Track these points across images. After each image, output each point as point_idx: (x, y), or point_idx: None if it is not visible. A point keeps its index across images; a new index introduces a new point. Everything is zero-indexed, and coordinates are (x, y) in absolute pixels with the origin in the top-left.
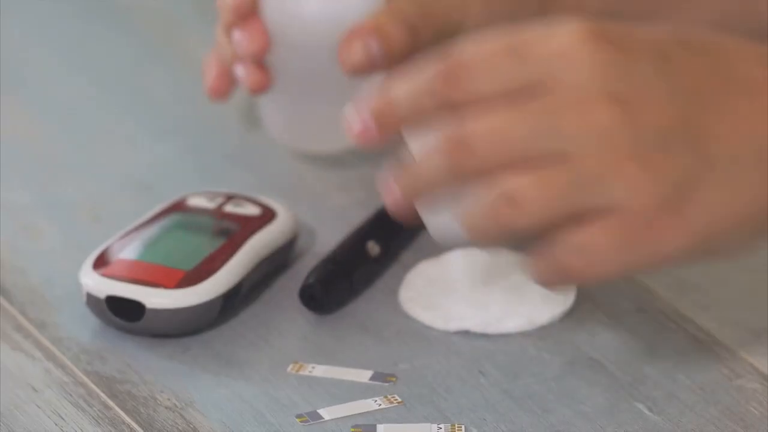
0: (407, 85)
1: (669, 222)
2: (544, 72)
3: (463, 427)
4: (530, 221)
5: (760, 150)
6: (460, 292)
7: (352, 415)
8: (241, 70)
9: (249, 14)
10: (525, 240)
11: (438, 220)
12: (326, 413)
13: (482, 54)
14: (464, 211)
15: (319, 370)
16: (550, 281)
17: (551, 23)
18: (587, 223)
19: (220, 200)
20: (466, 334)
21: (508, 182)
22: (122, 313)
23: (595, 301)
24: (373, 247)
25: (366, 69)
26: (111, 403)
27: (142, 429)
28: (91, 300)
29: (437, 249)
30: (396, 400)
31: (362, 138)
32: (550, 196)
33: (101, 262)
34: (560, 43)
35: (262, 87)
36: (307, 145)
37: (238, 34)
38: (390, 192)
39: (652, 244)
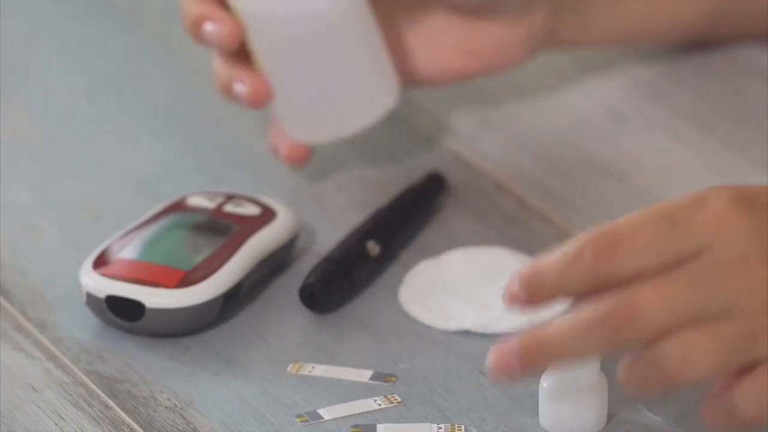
0: (556, 258)
1: None
2: (699, 240)
3: (462, 427)
4: (702, 375)
5: None
6: (460, 292)
7: (352, 414)
8: (239, 86)
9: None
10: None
11: (560, 409)
12: (326, 413)
13: (636, 225)
14: (625, 367)
15: (319, 370)
16: (724, 425)
17: (696, 193)
18: (760, 373)
19: (219, 200)
20: (465, 333)
21: (677, 340)
22: (122, 312)
23: None
24: (373, 247)
25: None
26: (111, 403)
27: (142, 429)
28: (91, 300)
29: (437, 249)
30: (396, 399)
31: (515, 304)
32: (722, 350)
33: (101, 262)
34: (712, 211)
35: (263, 96)
36: (328, 132)
37: (209, 25)
38: (508, 356)
39: None
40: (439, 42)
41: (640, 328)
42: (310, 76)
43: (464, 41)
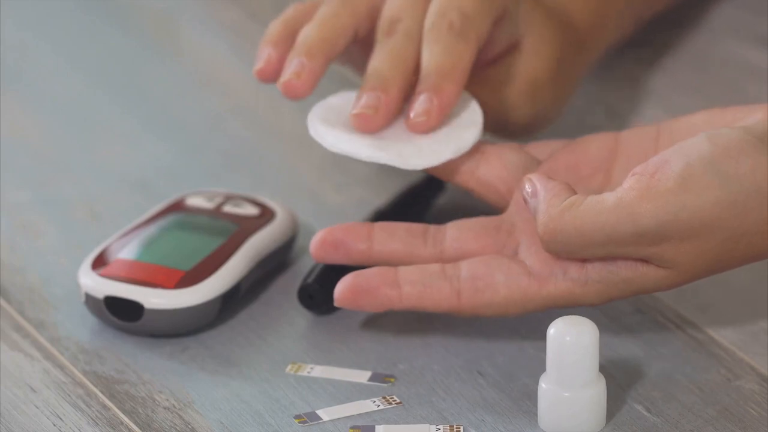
0: None
1: None
2: None
3: (461, 427)
4: None
5: None
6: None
7: (350, 415)
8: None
9: None
10: None
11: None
12: (325, 414)
13: None
14: None
15: (318, 371)
16: None
17: None
18: None
19: (218, 200)
20: (464, 333)
21: None
22: (121, 313)
23: None
24: None
25: None
26: (109, 404)
27: (141, 429)
28: (90, 300)
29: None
30: (395, 400)
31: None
32: None
33: (100, 262)
34: None
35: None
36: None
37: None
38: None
39: None
40: None
41: None
42: None
43: None
